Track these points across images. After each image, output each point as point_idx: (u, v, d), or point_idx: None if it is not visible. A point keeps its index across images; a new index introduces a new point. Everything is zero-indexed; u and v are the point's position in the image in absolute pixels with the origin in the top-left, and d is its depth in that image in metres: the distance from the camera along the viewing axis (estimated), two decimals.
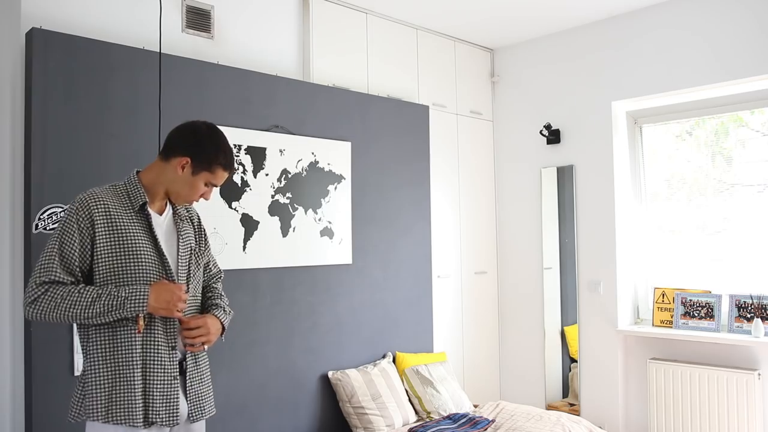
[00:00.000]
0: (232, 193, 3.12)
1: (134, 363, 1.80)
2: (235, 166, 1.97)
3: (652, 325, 4.08)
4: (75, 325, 2.21)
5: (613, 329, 4.14)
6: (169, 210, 2.01)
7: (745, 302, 3.71)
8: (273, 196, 3.31)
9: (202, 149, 1.92)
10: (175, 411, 1.85)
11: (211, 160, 1.93)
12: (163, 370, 1.85)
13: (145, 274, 1.84)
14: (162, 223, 1.97)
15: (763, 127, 3.86)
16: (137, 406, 1.79)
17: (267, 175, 3.28)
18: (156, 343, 1.85)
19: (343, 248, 3.62)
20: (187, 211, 2.10)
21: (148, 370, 1.83)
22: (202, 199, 2.03)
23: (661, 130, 4.27)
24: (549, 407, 4.42)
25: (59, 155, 2.58)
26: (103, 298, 1.76)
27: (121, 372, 1.80)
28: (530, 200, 4.64)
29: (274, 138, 3.31)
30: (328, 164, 3.57)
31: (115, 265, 1.82)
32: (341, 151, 3.63)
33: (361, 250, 3.71)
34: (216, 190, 3.02)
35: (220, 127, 2.03)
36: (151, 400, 1.81)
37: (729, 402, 3.62)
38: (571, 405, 4.40)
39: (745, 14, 3.65)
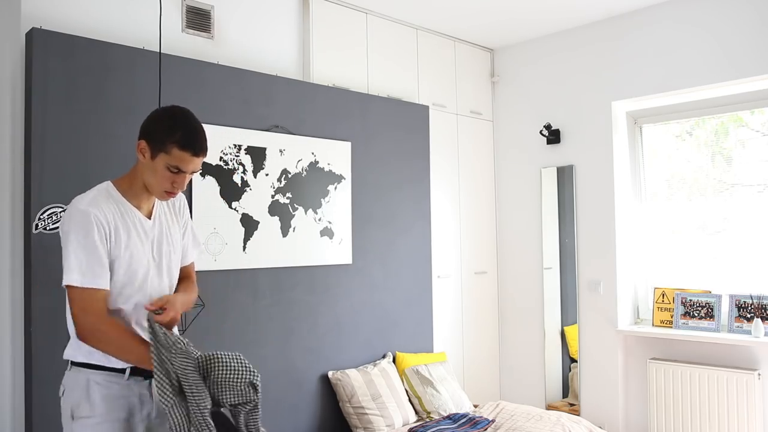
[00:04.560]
0: (232, 193, 3.12)
1: None
2: (202, 145, 1.78)
3: (652, 325, 4.08)
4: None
5: (613, 329, 4.14)
6: (157, 210, 1.92)
7: (745, 302, 3.71)
8: (273, 196, 3.31)
9: (154, 128, 1.77)
10: None
11: (165, 139, 1.74)
12: None
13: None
14: (150, 228, 1.87)
15: (763, 127, 3.86)
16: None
17: (267, 175, 3.28)
18: None
19: (343, 248, 3.62)
20: (170, 204, 1.99)
21: None
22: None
23: (661, 130, 4.27)
24: (549, 407, 4.42)
25: (59, 155, 2.58)
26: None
27: None
28: (530, 200, 4.64)
29: (274, 138, 3.31)
30: (328, 164, 3.57)
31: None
32: (341, 151, 3.63)
33: (360, 250, 3.71)
34: (216, 190, 3.03)
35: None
36: None
37: (729, 402, 3.62)
38: (571, 405, 4.39)
39: (746, 12, 3.63)
